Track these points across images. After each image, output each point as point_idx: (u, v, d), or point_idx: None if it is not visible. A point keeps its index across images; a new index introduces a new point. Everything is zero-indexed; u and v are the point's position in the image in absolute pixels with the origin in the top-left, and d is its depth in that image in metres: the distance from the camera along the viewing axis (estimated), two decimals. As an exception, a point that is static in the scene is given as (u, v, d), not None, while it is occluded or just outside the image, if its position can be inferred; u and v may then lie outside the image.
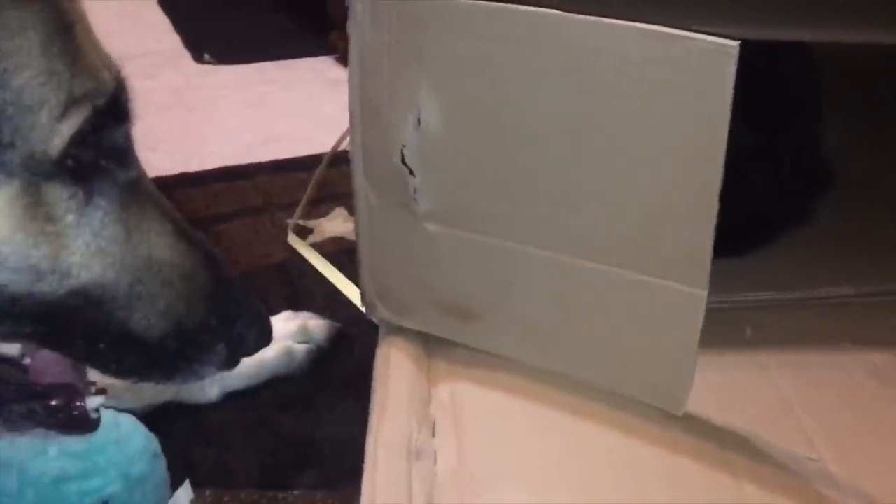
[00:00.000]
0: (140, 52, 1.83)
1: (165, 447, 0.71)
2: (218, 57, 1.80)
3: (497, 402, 0.79)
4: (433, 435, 0.75)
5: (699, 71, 0.62)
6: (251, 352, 0.59)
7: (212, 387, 0.79)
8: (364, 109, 0.79)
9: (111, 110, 0.53)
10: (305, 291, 0.98)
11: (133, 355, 0.55)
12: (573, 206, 0.73)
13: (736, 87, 0.98)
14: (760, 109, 1.03)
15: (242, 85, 1.67)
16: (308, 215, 1.13)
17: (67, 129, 0.51)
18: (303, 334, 0.86)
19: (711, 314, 0.86)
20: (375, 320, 0.89)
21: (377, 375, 0.82)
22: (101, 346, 0.54)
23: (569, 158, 0.71)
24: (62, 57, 0.51)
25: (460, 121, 0.75)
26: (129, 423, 0.64)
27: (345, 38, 0.85)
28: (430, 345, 0.86)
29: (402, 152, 0.78)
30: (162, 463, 0.65)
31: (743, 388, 0.79)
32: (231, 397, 0.80)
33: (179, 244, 0.58)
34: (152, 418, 0.73)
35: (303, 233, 1.09)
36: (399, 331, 0.87)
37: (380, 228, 0.85)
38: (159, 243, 0.56)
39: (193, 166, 1.30)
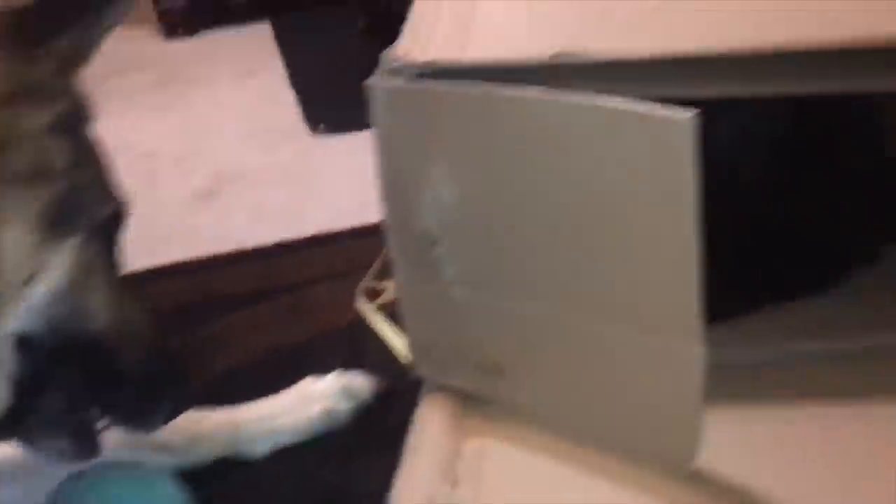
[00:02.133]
0: (262, 129, 2.00)
1: (217, 500, 0.81)
2: (332, 127, 1.94)
3: (521, 458, 0.83)
4: (455, 489, 0.80)
5: (659, 142, 0.65)
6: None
7: (262, 444, 0.89)
8: (389, 185, 0.87)
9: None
10: (366, 350, 1.06)
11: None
12: (575, 270, 0.77)
13: (804, 132, 1.00)
14: (827, 153, 1.02)
15: (348, 153, 1.79)
16: (384, 277, 1.21)
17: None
18: (347, 394, 0.94)
19: (753, 367, 0.88)
20: (423, 377, 0.95)
21: (412, 431, 0.88)
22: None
23: (565, 227, 0.75)
24: None
25: (473, 196, 0.81)
26: (153, 482, 0.73)
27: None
28: (468, 402, 0.91)
29: (424, 224, 0.85)
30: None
31: (767, 443, 0.79)
32: (279, 453, 0.89)
33: None
34: (208, 473, 0.84)
35: (377, 294, 1.17)
36: (440, 388, 0.93)
37: (415, 292, 0.92)
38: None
39: (291, 234, 1.42)
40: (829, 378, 0.85)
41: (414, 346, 0.94)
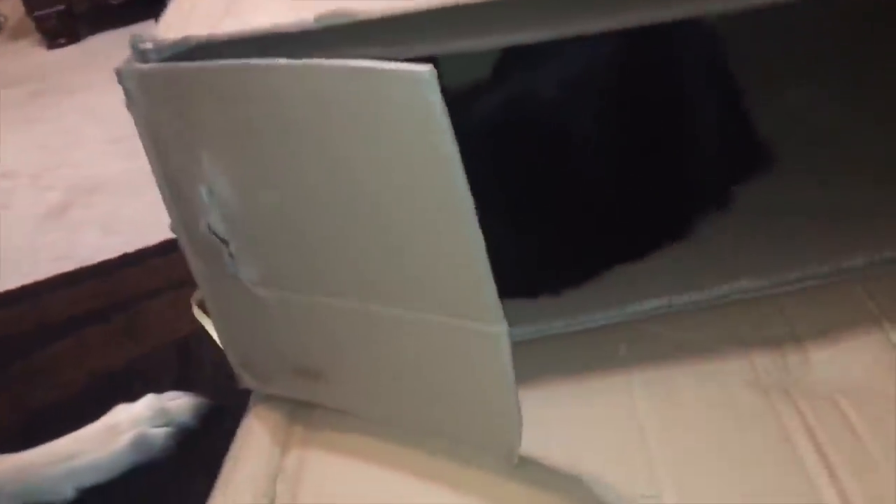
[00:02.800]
0: (128, 135, 1.89)
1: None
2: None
3: (340, 468, 0.74)
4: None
5: (405, 101, 0.57)
6: None
7: (63, 488, 0.80)
8: (163, 181, 0.77)
9: None
10: (196, 366, 0.97)
11: None
12: (360, 256, 0.68)
13: (636, 80, 0.92)
14: (663, 98, 0.95)
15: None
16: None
17: None
18: (161, 417, 0.85)
19: (589, 335, 0.81)
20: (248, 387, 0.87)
21: (231, 450, 0.79)
22: None
23: (337, 209, 0.67)
24: None
25: (244, 186, 0.72)
26: None
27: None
28: (295, 410, 0.82)
29: (208, 222, 0.76)
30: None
31: (601, 418, 0.72)
32: (88, 493, 0.80)
33: None
34: None
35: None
36: (266, 399, 0.85)
37: (222, 299, 0.83)
38: None
39: (143, 244, 1.33)
40: (676, 336, 0.78)
41: (232, 356, 0.85)
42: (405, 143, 0.59)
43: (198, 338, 1.01)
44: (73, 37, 2.80)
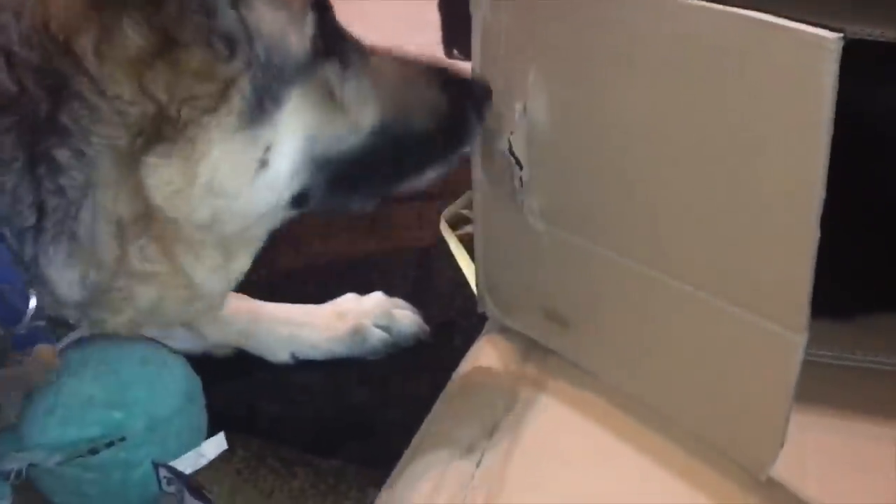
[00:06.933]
0: (397, 46, 1.93)
1: (243, 397, 0.77)
2: (465, 53, 1.84)
3: (566, 420, 0.73)
4: (491, 436, 0.71)
5: (794, 66, 0.52)
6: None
7: (282, 349, 0.82)
8: (483, 92, 0.77)
9: None
10: (434, 277, 0.98)
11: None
12: (668, 219, 0.65)
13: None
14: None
15: (477, 81, 1.69)
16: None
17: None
18: (384, 319, 0.85)
19: (868, 373, 0.74)
20: (488, 314, 0.86)
21: (461, 368, 0.79)
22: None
23: (664, 164, 0.63)
24: None
25: (564, 113, 0.70)
26: (163, 360, 0.67)
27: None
28: (530, 349, 0.81)
29: (509, 141, 0.74)
30: (196, 407, 0.67)
31: (864, 463, 0.66)
32: (316, 364, 0.82)
33: None
34: (236, 370, 0.81)
35: (464, 222, 1.08)
36: (503, 329, 0.84)
37: (493, 220, 0.82)
38: None
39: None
40: None
41: (482, 279, 0.85)
42: (777, 109, 0.54)
43: (438, 251, 1.01)
44: (360, -56, 2.89)
